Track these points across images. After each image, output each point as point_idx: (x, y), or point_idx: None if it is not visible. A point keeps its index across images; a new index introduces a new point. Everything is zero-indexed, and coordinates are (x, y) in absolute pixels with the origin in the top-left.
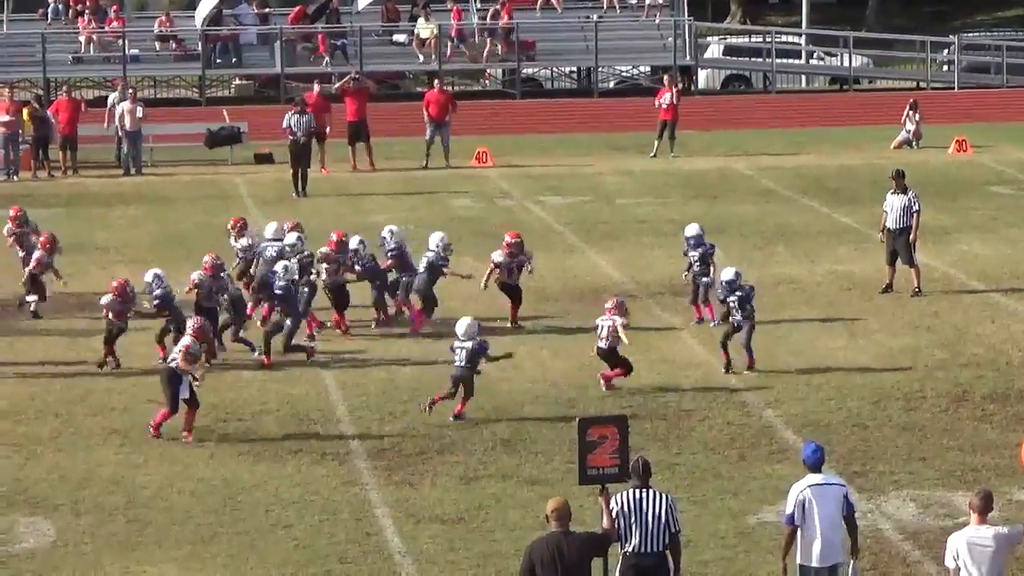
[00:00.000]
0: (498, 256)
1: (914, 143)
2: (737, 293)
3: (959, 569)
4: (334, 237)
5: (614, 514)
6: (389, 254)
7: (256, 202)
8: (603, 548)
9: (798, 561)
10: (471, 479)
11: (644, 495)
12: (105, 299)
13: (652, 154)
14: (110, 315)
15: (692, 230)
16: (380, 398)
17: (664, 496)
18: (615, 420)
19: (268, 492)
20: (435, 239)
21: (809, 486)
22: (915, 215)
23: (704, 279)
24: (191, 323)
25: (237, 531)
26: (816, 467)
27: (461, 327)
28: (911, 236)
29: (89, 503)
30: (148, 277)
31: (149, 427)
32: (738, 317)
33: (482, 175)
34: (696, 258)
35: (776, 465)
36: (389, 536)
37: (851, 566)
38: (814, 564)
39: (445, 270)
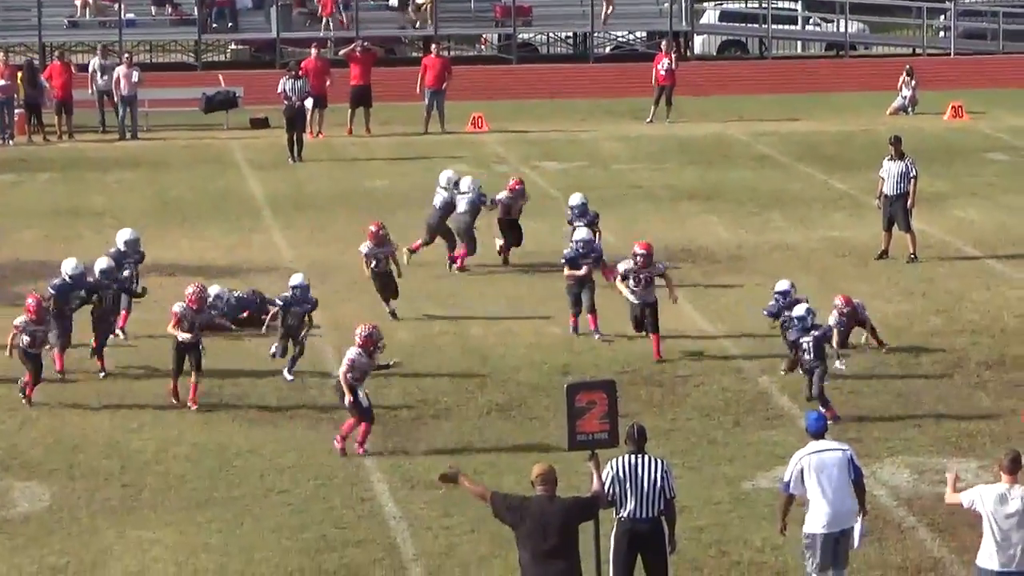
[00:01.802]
0: (624, 266)
1: (910, 109)
2: (813, 332)
3: (975, 510)
4: (373, 228)
5: (609, 479)
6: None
7: (252, 167)
8: (590, 512)
9: (806, 530)
10: (466, 445)
11: (639, 461)
12: (177, 307)
13: (648, 119)
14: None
15: (576, 199)
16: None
17: (659, 462)
18: (603, 385)
19: (263, 457)
20: (467, 181)
21: (809, 454)
22: (912, 181)
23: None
24: (359, 331)
25: (232, 496)
26: (819, 434)
27: (798, 311)
28: (908, 202)
29: (84, 468)
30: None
31: (335, 440)
32: (810, 359)
33: (478, 140)
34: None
35: (771, 431)
36: (384, 501)
37: (859, 524)
38: (821, 530)
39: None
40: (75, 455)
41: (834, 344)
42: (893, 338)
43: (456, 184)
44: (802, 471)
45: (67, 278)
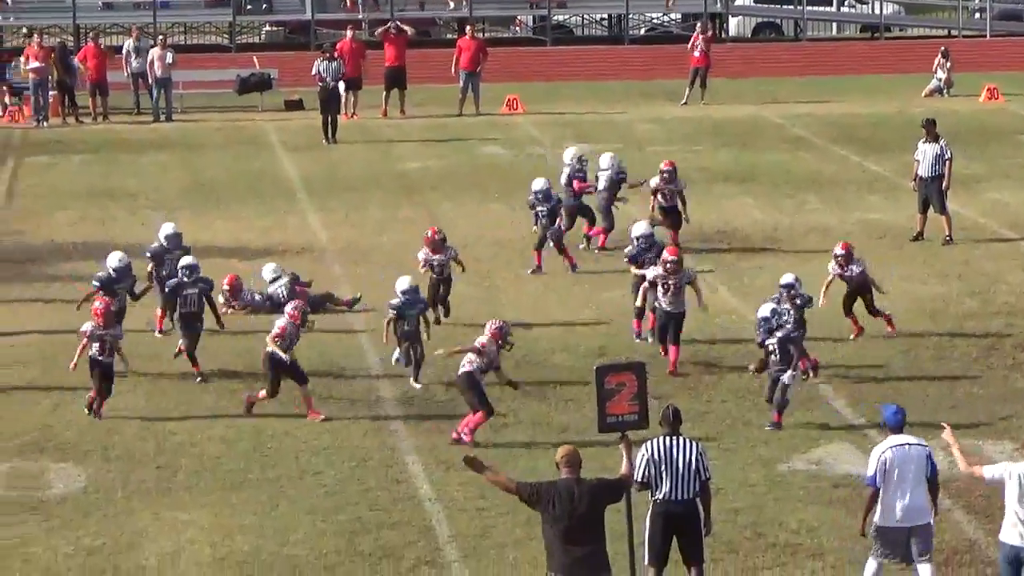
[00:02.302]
0: (653, 272)
1: (945, 91)
2: (777, 334)
3: (995, 481)
4: (429, 234)
5: (644, 462)
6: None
7: (286, 148)
8: (617, 494)
9: (876, 522)
10: (501, 426)
11: (674, 443)
12: (281, 321)
13: (683, 101)
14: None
15: (539, 184)
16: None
17: (694, 444)
18: (633, 367)
19: (298, 439)
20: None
21: (891, 447)
22: (947, 163)
23: (552, 229)
24: (490, 325)
25: (267, 478)
26: (898, 428)
27: (762, 311)
28: (943, 184)
29: (119, 449)
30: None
31: (454, 434)
32: (775, 361)
33: (512, 122)
34: (545, 212)
35: (806, 412)
36: (419, 483)
37: (930, 525)
38: (894, 524)
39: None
40: (110, 437)
41: (821, 295)
42: (928, 320)
43: (581, 160)
44: (886, 463)
45: (111, 272)
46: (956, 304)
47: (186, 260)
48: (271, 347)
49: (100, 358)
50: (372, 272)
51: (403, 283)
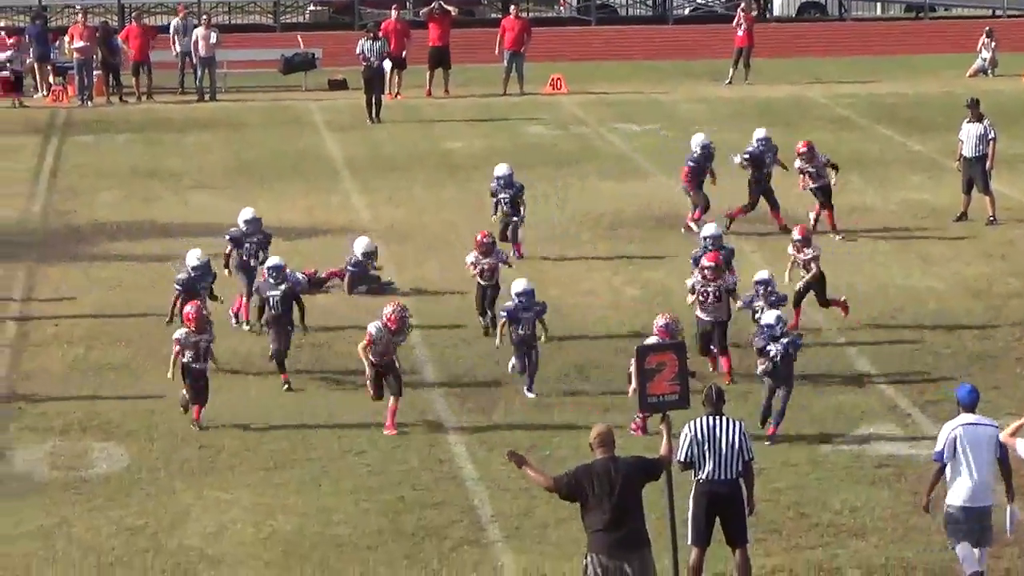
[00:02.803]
0: (691, 280)
1: (989, 71)
2: (781, 342)
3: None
4: (479, 237)
5: (688, 441)
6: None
7: (330, 128)
8: (655, 473)
9: (947, 501)
10: (544, 406)
11: (717, 422)
12: (373, 327)
13: (727, 81)
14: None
15: (501, 170)
16: (454, 324)
17: (737, 423)
18: (673, 347)
19: (340, 419)
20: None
21: (962, 425)
22: (991, 143)
23: (515, 218)
24: (657, 321)
25: (309, 457)
26: (971, 407)
27: (767, 319)
28: (987, 164)
29: (162, 429)
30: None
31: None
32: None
33: (556, 102)
34: (507, 199)
35: (849, 394)
36: (462, 463)
37: (1008, 510)
38: (963, 504)
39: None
40: (153, 416)
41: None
42: (971, 300)
43: (706, 148)
44: (955, 441)
45: (191, 271)
46: (999, 284)
47: (273, 261)
48: (362, 358)
49: (194, 365)
50: (417, 252)
51: (519, 285)
